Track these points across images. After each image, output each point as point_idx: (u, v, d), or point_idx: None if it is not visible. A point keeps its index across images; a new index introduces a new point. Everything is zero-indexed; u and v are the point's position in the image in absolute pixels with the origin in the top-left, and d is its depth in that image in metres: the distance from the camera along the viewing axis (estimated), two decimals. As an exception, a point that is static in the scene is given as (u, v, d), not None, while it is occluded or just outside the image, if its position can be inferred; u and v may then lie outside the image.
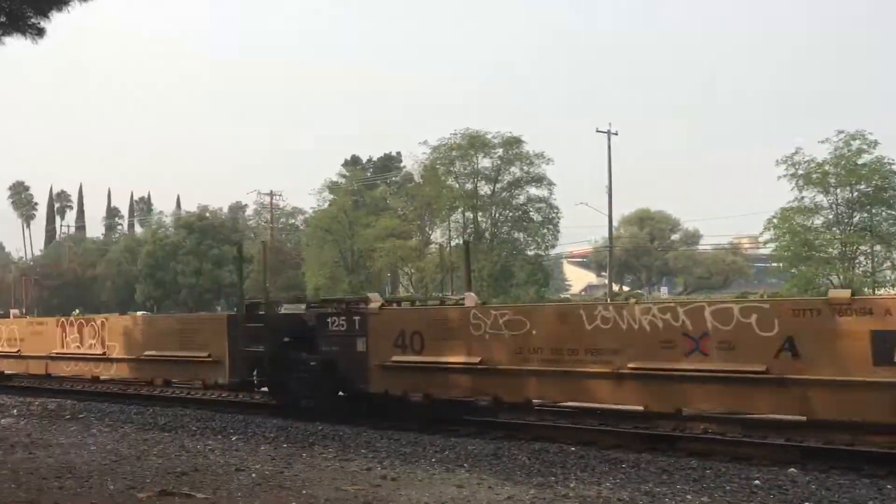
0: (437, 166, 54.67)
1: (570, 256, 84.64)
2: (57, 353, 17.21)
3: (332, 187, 62.86)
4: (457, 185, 53.86)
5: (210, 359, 13.98)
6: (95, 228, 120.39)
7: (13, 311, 22.89)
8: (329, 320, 12.46)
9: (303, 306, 14.69)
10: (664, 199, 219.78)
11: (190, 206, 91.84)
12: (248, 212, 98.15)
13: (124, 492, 7.32)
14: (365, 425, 11.86)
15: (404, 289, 58.06)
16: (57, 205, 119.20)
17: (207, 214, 77.44)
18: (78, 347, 16.68)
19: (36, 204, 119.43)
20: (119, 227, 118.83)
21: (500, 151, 52.03)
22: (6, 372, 19.27)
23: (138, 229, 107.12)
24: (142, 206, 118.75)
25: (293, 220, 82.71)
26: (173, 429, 11.78)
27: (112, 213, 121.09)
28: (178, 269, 70.17)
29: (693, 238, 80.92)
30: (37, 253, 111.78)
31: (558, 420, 11.46)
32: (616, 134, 54.76)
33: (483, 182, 53.36)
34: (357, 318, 12.17)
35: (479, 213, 53.96)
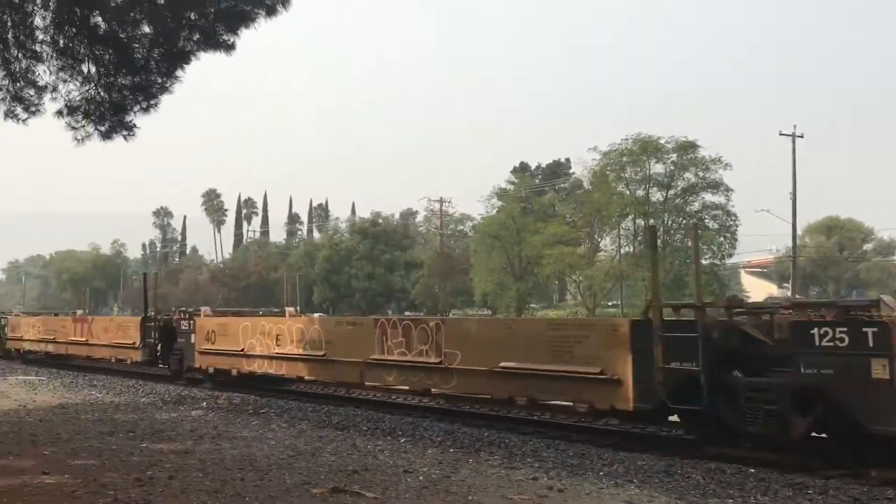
0: (608, 172, 53.70)
1: (748, 266, 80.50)
2: (376, 360, 14.04)
3: (501, 194, 63.26)
4: (627, 192, 52.66)
5: (602, 376, 10.72)
6: (278, 233, 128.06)
7: (289, 309, 21.80)
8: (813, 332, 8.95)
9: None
10: (855, 206, 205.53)
11: (364, 213, 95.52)
12: (419, 218, 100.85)
13: (299, 486, 7.58)
14: (531, 434, 11.75)
15: (572, 297, 57.36)
16: (244, 211, 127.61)
17: (380, 220, 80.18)
18: (403, 354, 13.60)
19: (226, 210, 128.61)
20: (299, 232, 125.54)
21: (673, 157, 50.37)
22: (304, 377, 16.58)
23: (316, 235, 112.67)
24: (320, 213, 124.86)
25: (462, 227, 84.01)
26: (346, 427, 12.15)
27: (293, 219, 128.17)
28: (351, 273, 73.09)
29: (889, 248, 74.92)
30: (226, 256, 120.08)
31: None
32: (801, 137, 51.51)
33: (655, 188, 51.87)
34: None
35: (651, 221, 52.46)
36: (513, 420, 13.08)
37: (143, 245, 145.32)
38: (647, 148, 50.47)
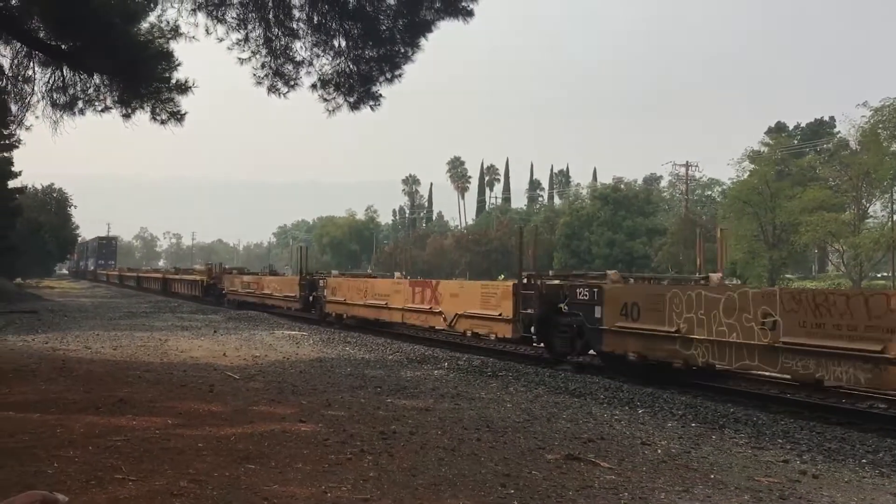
0: (879, 130, 48.44)
1: None
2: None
3: (754, 157, 59.30)
4: (902, 152, 47.27)
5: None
6: (519, 199, 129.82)
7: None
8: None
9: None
10: None
11: (606, 178, 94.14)
12: (663, 183, 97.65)
13: (534, 451, 7.58)
14: (783, 413, 10.93)
15: (834, 267, 52.76)
16: (486, 178, 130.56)
17: (622, 186, 78.50)
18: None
19: (469, 177, 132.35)
20: (540, 198, 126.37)
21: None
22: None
23: (557, 201, 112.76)
24: (560, 179, 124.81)
25: (709, 192, 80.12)
26: (582, 395, 12.02)
27: (534, 185, 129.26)
28: (591, 240, 72.40)
29: None
30: (469, 221, 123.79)
31: None
32: None
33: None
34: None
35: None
36: (762, 397, 12.26)
37: (394, 211, 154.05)
38: (929, 101, 44.88)
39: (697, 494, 6.22)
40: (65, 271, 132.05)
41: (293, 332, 22.10)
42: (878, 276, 55.10)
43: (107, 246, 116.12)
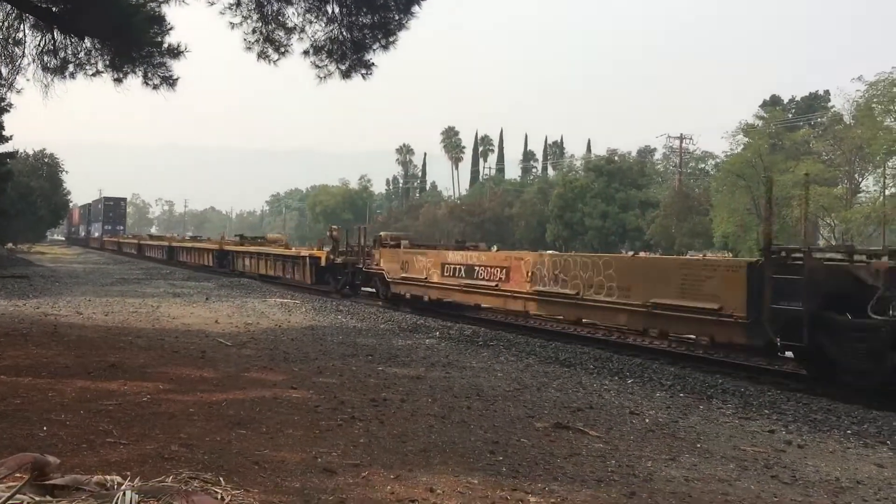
0: (874, 105, 48.37)
1: None
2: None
3: (748, 130, 59.20)
4: (897, 126, 47.26)
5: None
6: (513, 171, 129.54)
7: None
8: None
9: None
10: None
11: (599, 150, 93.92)
12: (657, 156, 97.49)
13: (523, 419, 7.65)
14: (770, 384, 11.04)
15: (825, 241, 52.96)
16: (481, 148, 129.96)
17: (616, 158, 78.34)
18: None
19: (463, 148, 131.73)
20: (534, 169, 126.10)
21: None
22: None
23: (551, 172, 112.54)
24: (555, 150, 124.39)
25: (703, 165, 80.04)
26: (572, 365, 12.11)
27: (528, 156, 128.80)
28: (585, 211, 72.38)
29: None
30: (463, 192, 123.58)
31: None
32: None
33: (931, 122, 46.10)
34: None
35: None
36: (749, 368, 12.37)
37: (387, 181, 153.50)
38: (924, 76, 44.80)
39: (684, 462, 6.30)
40: (57, 237, 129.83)
41: (285, 300, 22.13)
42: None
43: (115, 208, 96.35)
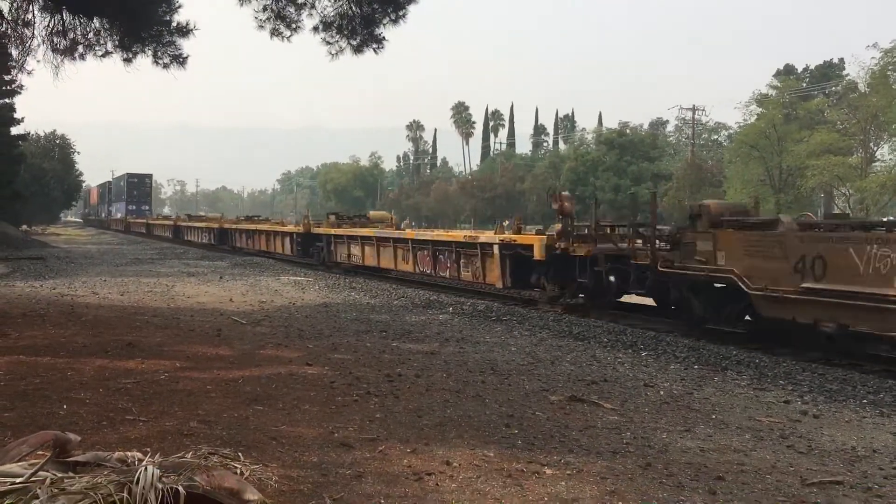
0: (889, 73, 47.79)
1: None
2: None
3: (761, 100, 58.67)
4: (911, 94, 46.72)
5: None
6: (524, 145, 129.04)
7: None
8: None
9: None
10: None
11: (611, 123, 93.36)
12: (669, 128, 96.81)
13: (538, 392, 7.68)
14: (785, 355, 11.01)
15: (840, 210, 52.60)
16: (491, 123, 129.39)
17: (628, 131, 77.90)
18: None
19: (474, 123, 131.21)
20: (545, 143, 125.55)
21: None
22: None
23: (562, 146, 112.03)
24: (566, 124, 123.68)
25: (716, 136, 79.49)
26: (586, 339, 12.11)
27: (539, 130, 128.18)
28: (597, 185, 72.13)
29: None
30: (473, 167, 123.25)
31: None
32: None
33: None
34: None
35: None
36: (765, 339, 12.32)
37: (398, 157, 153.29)
38: (941, 42, 44.19)
39: (699, 434, 6.31)
40: (72, 219, 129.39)
41: (298, 278, 22.21)
42: (885, 219, 55.03)
43: (139, 185, 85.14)
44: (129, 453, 4.11)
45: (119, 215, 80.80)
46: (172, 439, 5.39)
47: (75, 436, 4.17)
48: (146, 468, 3.57)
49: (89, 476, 3.62)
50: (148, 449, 4.46)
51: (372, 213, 34.63)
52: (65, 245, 42.66)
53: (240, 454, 4.50)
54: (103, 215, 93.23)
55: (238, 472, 4.10)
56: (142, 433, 5.60)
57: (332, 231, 27.34)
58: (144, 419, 6.03)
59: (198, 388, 7.27)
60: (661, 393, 7.97)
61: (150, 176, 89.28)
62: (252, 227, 37.31)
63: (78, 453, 4.03)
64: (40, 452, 4.02)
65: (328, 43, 11.35)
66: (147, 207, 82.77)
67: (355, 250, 25.33)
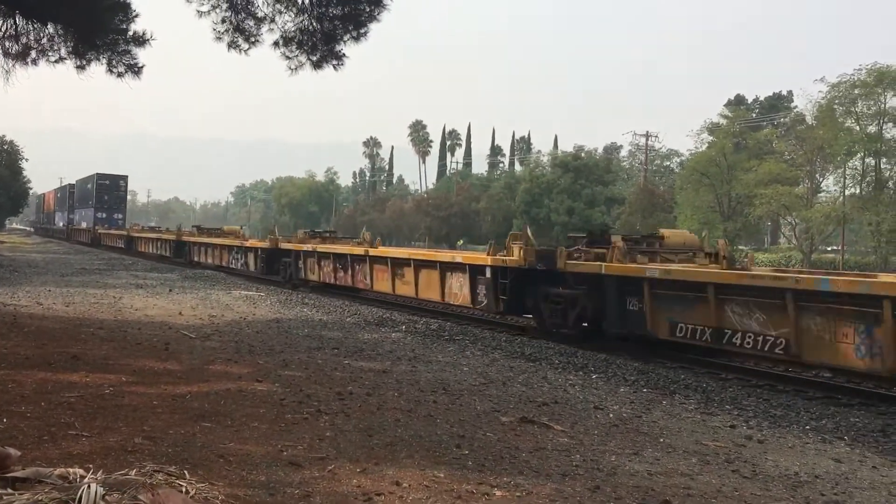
0: (835, 106, 49.29)
1: None
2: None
3: (712, 129, 60.02)
4: (857, 128, 48.18)
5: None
6: (480, 165, 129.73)
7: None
8: None
9: None
10: None
11: (567, 147, 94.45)
12: (623, 153, 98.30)
13: (489, 413, 7.69)
14: (732, 380, 11.22)
15: (786, 239, 53.88)
16: (448, 143, 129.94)
17: (582, 154, 78.83)
18: None
19: (431, 142, 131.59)
20: (501, 164, 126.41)
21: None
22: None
23: (518, 167, 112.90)
24: (521, 146, 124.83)
25: (668, 163, 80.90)
26: (538, 360, 12.18)
27: (495, 151, 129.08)
28: (551, 207, 72.74)
29: None
30: (430, 186, 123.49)
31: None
32: None
33: (891, 124, 47.04)
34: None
35: (883, 160, 47.79)
36: (712, 365, 12.55)
37: (354, 173, 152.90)
38: (884, 78, 45.68)
39: (647, 457, 6.38)
40: (17, 226, 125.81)
41: (250, 293, 21.96)
42: (828, 249, 56.44)
43: (112, 189, 69.56)
44: (71, 470, 4.01)
45: (85, 224, 67.76)
46: (116, 456, 5.27)
47: (15, 451, 4.06)
48: (89, 486, 3.49)
49: (29, 493, 3.52)
50: (91, 465, 4.36)
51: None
52: (8, 253, 41.57)
53: (186, 472, 4.42)
54: (62, 224, 79.61)
55: (184, 490, 4.03)
56: (85, 449, 5.46)
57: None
58: (88, 434, 5.88)
59: (144, 403, 7.12)
60: (611, 416, 8.05)
61: (125, 178, 73.94)
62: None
63: (17, 469, 3.92)
64: (-22, 468, 3.90)
65: (288, 58, 11.35)
66: (121, 216, 69.52)
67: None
